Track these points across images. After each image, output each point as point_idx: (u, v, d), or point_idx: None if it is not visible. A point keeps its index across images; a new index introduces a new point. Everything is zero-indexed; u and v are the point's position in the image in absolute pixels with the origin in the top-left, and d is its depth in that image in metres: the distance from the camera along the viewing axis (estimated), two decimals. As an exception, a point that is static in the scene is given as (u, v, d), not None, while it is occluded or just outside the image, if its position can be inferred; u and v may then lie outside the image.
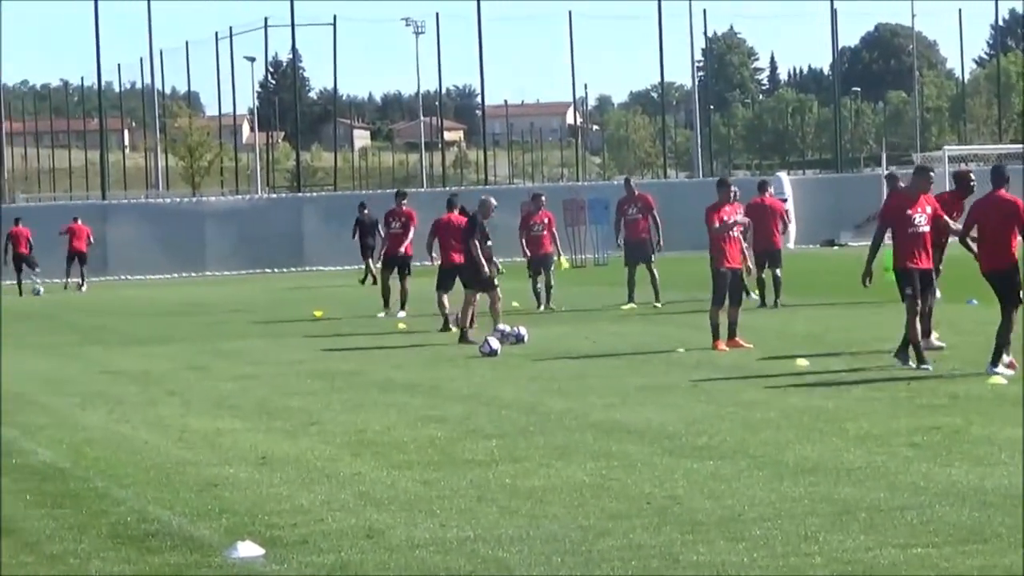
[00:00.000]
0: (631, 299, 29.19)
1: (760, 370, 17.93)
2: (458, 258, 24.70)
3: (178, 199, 66.46)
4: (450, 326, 24.73)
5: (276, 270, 54.52)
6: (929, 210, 17.54)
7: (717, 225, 20.47)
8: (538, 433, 13.48)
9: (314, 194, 75.17)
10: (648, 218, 29.93)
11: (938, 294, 19.07)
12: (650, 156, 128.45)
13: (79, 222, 47.12)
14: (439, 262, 25.81)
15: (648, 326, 24.93)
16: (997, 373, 16.11)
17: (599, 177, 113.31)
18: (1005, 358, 16.39)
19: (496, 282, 23.31)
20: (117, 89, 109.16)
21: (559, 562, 8.62)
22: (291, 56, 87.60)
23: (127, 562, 9.04)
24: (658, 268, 29.42)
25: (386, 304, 29.18)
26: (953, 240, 18.08)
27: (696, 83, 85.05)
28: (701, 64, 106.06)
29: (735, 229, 20.70)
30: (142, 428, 14.84)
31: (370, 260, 40.40)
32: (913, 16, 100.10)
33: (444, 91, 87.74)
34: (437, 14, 76.01)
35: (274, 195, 77.89)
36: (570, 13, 79.28)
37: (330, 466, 12.12)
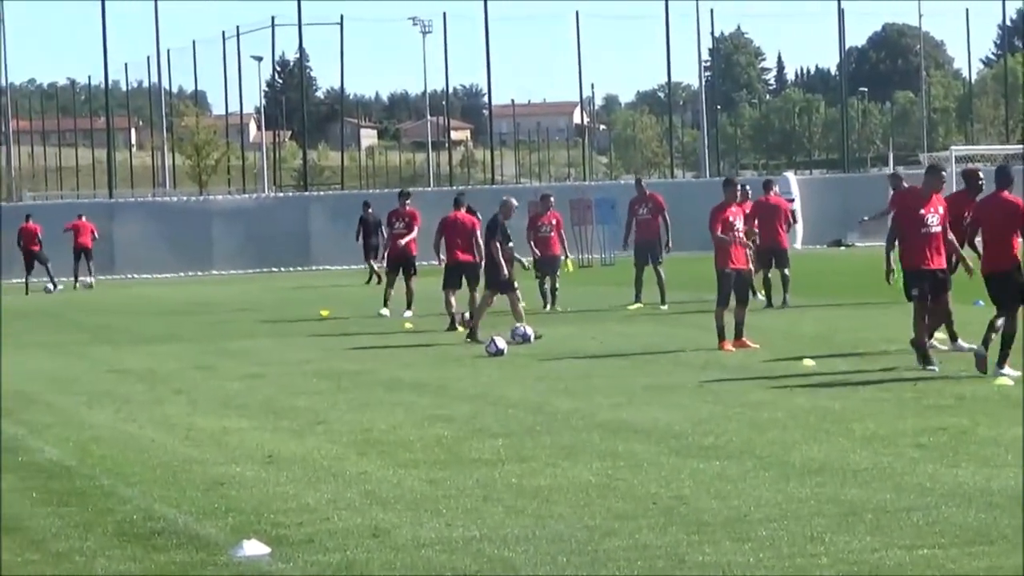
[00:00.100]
0: (638, 299, 29.16)
1: (767, 371, 17.91)
2: (464, 256, 24.71)
3: (185, 198, 66.40)
4: (456, 325, 24.74)
5: (283, 269, 54.52)
6: (942, 210, 17.49)
7: (719, 234, 20.53)
8: (544, 433, 13.47)
9: (321, 193, 75.13)
10: (659, 218, 29.92)
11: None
12: (657, 156, 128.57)
13: (84, 218, 47.17)
14: (445, 261, 25.78)
15: (655, 326, 24.92)
16: (1003, 374, 16.07)
17: (606, 177, 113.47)
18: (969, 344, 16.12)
19: (515, 284, 23.37)
20: (124, 88, 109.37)
21: (565, 562, 8.61)
22: (298, 55, 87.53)
23: (133, 560, 9.04)
24: (665, 269, 29.41)
25: (385, 303, 29.08)
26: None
27: (703, 83, 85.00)
28: (708, 64, 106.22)
29: (738, 235, 20.68)
30: (149, 427, 14.85)
31: (372, 260, 40.42)
32: (920, 16, 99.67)
33: (451, 91, 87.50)
34: (444, 14, 75.99)
35: (281, 194, 78.01)
36: (577, 13, 79.17)
37: (336, 465, 12.12)
